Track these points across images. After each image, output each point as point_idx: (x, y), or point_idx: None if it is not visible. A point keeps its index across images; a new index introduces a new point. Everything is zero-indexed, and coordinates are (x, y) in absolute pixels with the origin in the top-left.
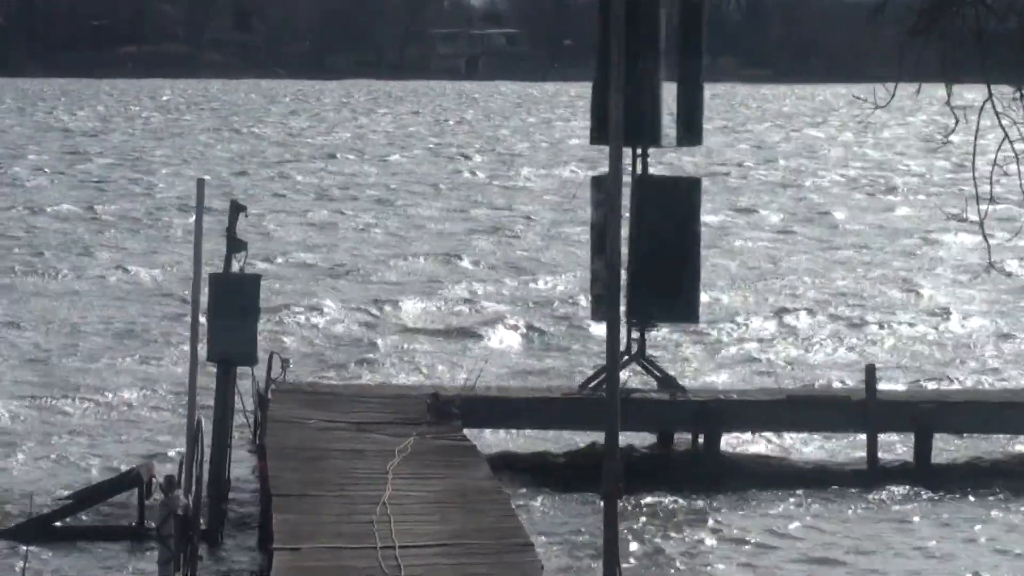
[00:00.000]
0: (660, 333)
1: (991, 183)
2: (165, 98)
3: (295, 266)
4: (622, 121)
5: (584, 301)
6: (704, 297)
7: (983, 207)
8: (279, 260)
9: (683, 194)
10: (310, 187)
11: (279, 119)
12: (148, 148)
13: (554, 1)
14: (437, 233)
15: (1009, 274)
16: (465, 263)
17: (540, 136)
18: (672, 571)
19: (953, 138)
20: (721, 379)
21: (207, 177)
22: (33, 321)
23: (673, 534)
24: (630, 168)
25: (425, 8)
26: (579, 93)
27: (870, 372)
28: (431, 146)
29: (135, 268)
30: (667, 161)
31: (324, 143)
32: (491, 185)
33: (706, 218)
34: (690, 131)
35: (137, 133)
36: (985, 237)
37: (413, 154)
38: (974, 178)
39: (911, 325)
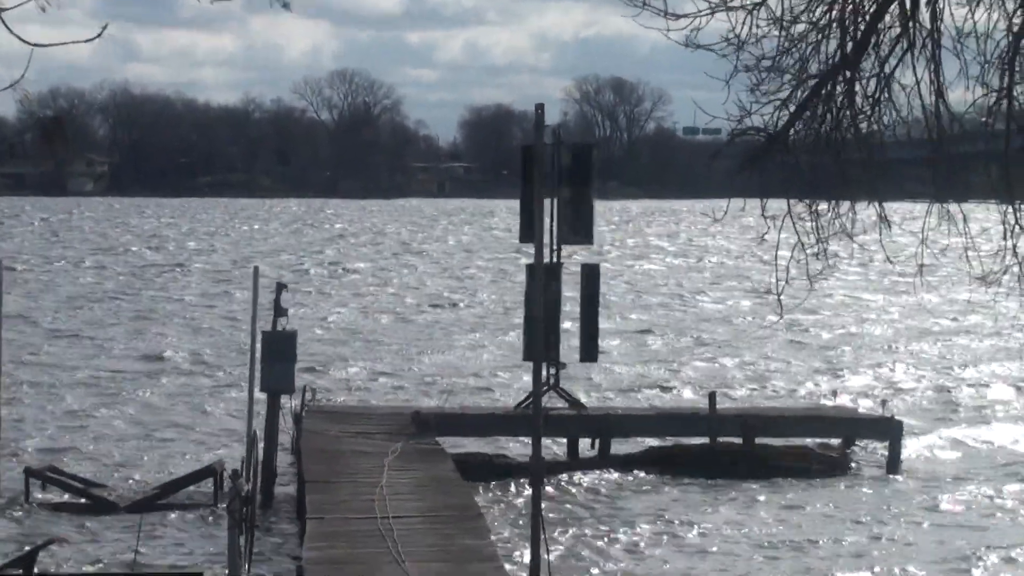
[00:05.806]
0: (570, 370)
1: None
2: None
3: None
4: (542, 227)
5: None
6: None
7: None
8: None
9: (589, 274)
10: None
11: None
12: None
13: (495, 144)
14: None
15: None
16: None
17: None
18: (585, 534)
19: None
20: (613, 401)
21: (260, 266)
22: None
23: (580, 510)
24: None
25: (408, 148)
26: (512, 207)
27: (711, 396)
28: None
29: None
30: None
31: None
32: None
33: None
34: (586, 233)
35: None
36: (780, 302)
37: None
38: (775, 265)
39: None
